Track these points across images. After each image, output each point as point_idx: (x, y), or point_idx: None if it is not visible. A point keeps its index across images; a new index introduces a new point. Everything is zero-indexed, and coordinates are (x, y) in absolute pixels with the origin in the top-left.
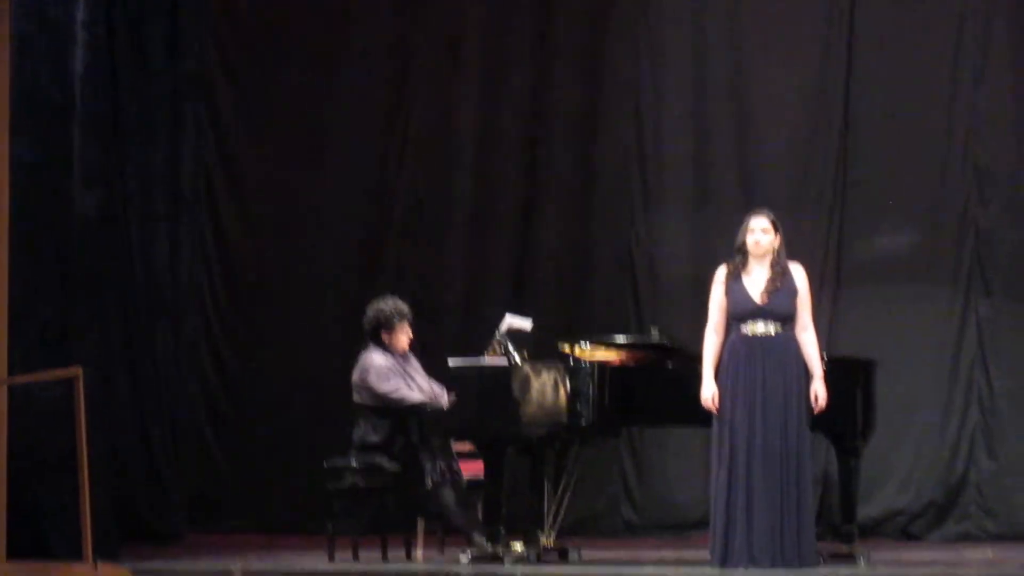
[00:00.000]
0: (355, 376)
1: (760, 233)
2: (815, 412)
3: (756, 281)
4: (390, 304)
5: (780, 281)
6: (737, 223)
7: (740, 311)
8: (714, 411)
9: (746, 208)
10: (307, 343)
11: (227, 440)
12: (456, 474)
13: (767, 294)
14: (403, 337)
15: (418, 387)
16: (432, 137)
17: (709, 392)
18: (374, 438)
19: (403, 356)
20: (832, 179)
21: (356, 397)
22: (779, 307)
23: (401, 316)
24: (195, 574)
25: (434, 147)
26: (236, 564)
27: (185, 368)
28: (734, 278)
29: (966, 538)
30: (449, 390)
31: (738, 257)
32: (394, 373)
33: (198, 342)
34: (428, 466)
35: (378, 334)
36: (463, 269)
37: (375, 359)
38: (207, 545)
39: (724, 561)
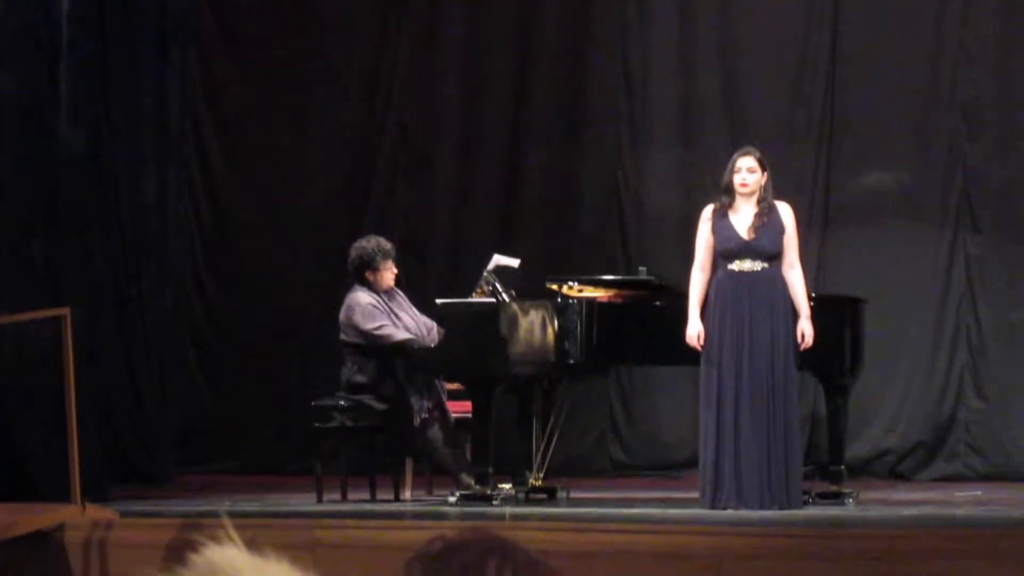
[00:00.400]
0: (341, 315)
1: (747, 172)
2: (802, 351)
3: (743, 219)
4: (372, 243)
5: (767, 218)
6: (724, 161)
7: (727, 248)
8: (699, 349)
9: (733, 146)
10: (294, 281)
11: (214, 379)
12: (444, 414)
13: (754, 230)
14: (387, 275)
15: (404, 325)
16: (418, 76)
17: (695, 330)
18: (361, 378)
19: (388, 294)
20: (819, 117)
21: (343, 336)
22: (766, 244)
23: (384, 254)
24: (183, 516)
25: (420, 86)
26: (224, 505)
27: (172, 307)
28: (720, 216)
29: (955, 478)
30: (439, 329)
31: (725, 196)
32: (379, 311)
33: (185, 280)
34: (416, 405)
35: (362, 273)
36: (450, 208)
37: (360, 297)
38: (195, 486)
39: (713, 501)
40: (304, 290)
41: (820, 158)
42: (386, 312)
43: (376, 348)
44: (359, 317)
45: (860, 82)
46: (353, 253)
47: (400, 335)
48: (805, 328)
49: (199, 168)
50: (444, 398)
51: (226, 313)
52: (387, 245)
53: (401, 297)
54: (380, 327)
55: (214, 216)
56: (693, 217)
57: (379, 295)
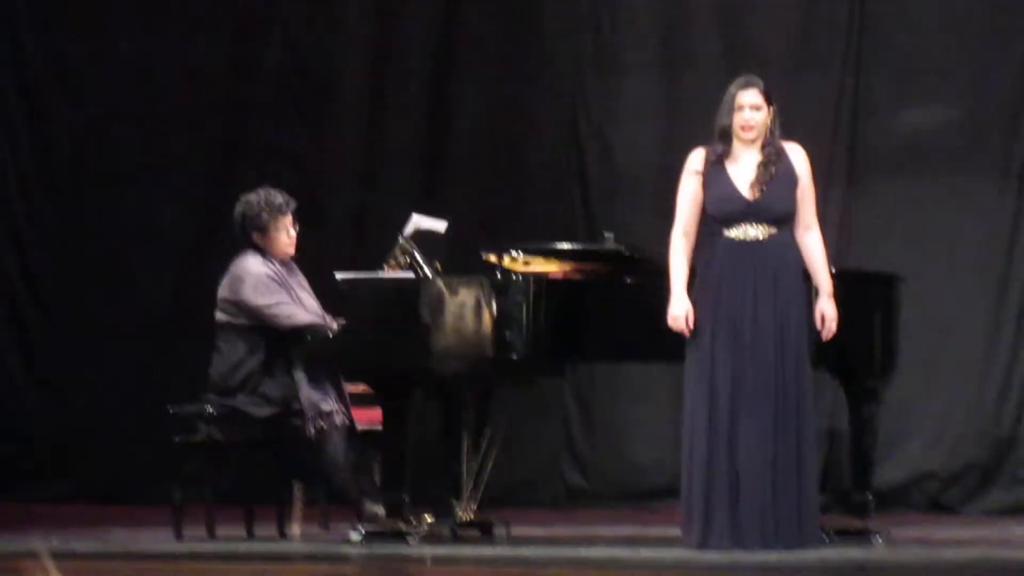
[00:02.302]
0: (223, 288)
1: (750, 110)
2: (822, 338)
3: (743, 171)
4: (260, 196)
5: (775, 168)
6: (718, 94)
7: (724, 211)
8: (686, 334)
9: (730, 72)
10: (146, 245)
11: (40, 377)
12: (347, 424)
13: (758, 186)
14: (281, 237)
15: (304, 306)
16: None
17: (680, 309)
18: (240, 373)
19: (286, 265)
20: (843, 34)
21: (220, 315)
22: (774, 203)
23: (274, 210)
24: None
25: None
26: (50, 543)
27: None
28: (715, 168)
29: (1015, 510)
30: (336, 316)
31: (720, 143)
32: (276, 284)
33: (2, 246)
34: (312, 411)
35: (249, 235)
36: (355, 153)
37: (250, 265)
38: (12, 517)
39: (701, 541)
40: (160, 258)
41: (844, 90)
42: (284, 287)
43: (266, 332)
44: (248, 290)
45: None
46: (237, 208)
47: (304, 316)
48: (825, 308)
49: (15, 89)
50: (346, 404)
51: (54, 285)
52: (279, 198)
53: (300, 274)
54: (277, 304)
55: (36, 154)
56: (677, 167)
57: (273, 264)
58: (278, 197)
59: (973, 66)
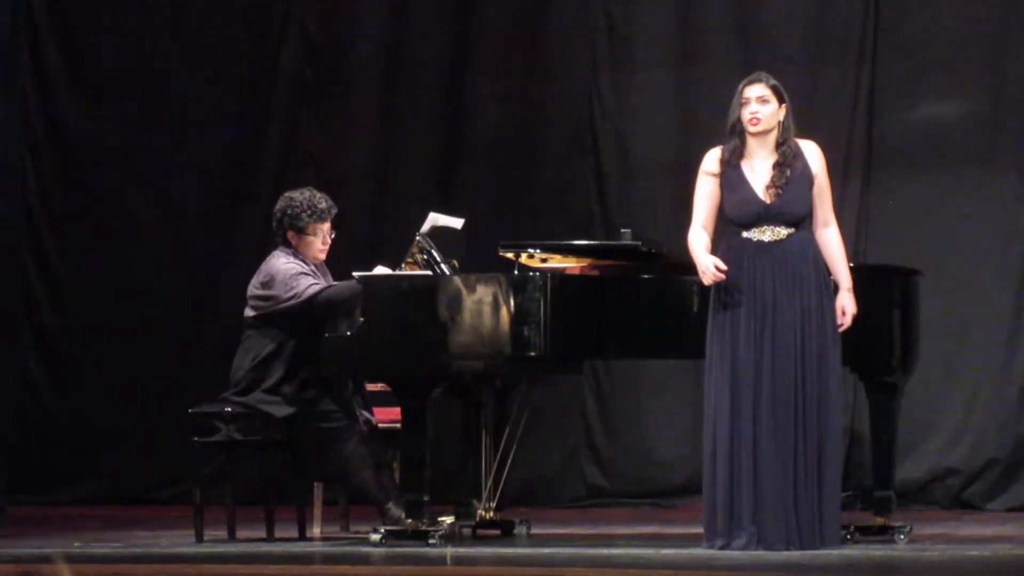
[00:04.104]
0: (254, 286)
1: (757, 103)
2: (841, 330)
3: (759, 172)
4: (304, 196)
5: (790, 169)
6: (733, 87)
7: (742, 214)
8: (723, 277)
9: (747, 67)
10: (165, 247)
11: (59, 378)
12: (368, 423)
13: (775, 189)
14: (316, 243)
15: None
16: None
17: (708, 261)
18: (264, 370)
19: (316, 266)
20: (859, 28)
21: (250, 312)
22: (791, 204)
23: (315, 213)
24: (15, 560)
25: None
26: (71, 545)
27: (1, 283)
28: (731, 168)
29: None
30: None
31: (733, 140)
32: (305, 275)
33: (17, 243)
34: (340, 411)
35: (285, 232)
36: (371, 150)
37: (280, 263)
38: (33, 520)
39: (725, 541)
40: (180, 259)
41: (861, 82)
42: (314, 277)
43: (295, 331)
44: (280, 285)
45: None
46: (279, 204)
47: (339, 285)
48: (846, 303)
49: (37, 94)
50: (367, 403)
51: (73, 287)
52: (323, 203)
53: (329, 275)
54: (307, 287)
55: (58, 162)
56: (693, 163)
57: (306, 264)
58: (323, 202)
59: (989, 59)
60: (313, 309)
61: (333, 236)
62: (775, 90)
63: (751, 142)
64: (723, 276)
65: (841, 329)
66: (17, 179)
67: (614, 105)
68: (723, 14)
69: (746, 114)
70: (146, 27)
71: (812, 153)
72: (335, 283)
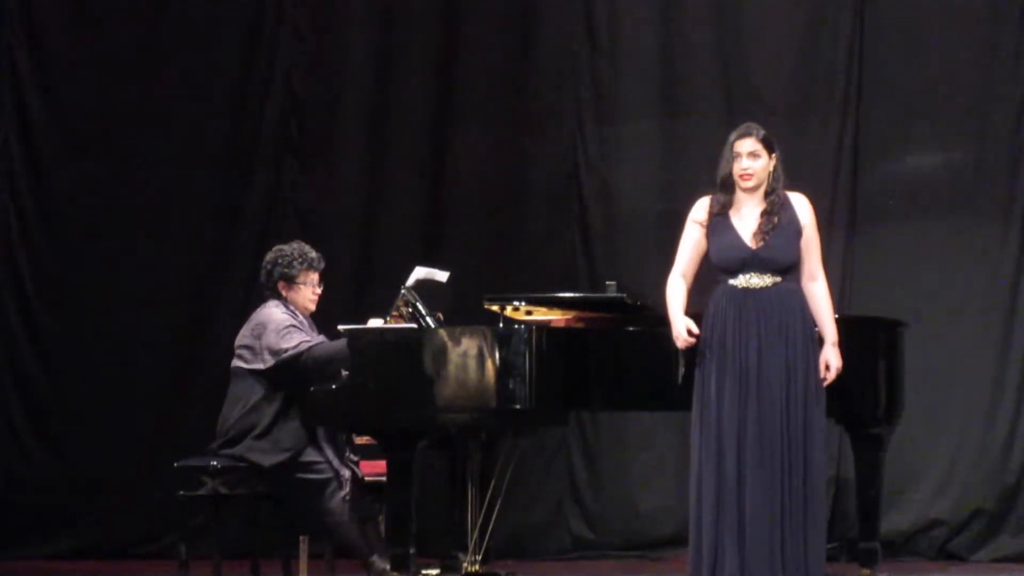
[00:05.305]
0: (243, 337)
1: (748, 158)
2: (824, 384)
3: (747, 221)
4: (294, 247)
5: (778, 218)
6: (720, 139)
7: (727, 259)
8: (694, 341)
9: (731, 118)
10: (150, 297)
11: (42, 429)
12: (353, 476)
13: (762, 235)
14: (306, 292)
15: None
16: (312, 22)
17: (681, 326)
18: (254, 417)
19: (305, 319)
20: (843, 79)
21: (239, 363)
22: (778, 252)
23: (306, 263)
24: None
25: (319, 41)
26: None
27: None
28: (719, 218)
29: (1023, 558)
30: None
31: (722, 193)
32: (297, 329)
33: (5, 300)
34: (326, 464)
35: (275, 284)
36: (355, 202)
37: (273, 313)
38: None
39: None
40: (163, 310)
41: (845, 135)
42: (305, 332)
43: (283, 383)
44: (272, 336)
45: (897, 32)
46: (269, 256)
47: (330, 343)
48: (830, 358)
49: (18, 139)
50: (352, 456)
51: (58, 340)
52: (313, 253)
53: (316, 330)
54: (298, 343)
55: (38, 205)
56: (678, 213)
57: (296, 315)
58: (312, 252)
59: (973, 109)
60: (303, 364)
61: (321, 289)
62: (765, 142)
63: (740, 194)
64: (694, 341)
65: (824, 384)
66: None
67: (598, 156)
68: (707, 64)
69: (737, 169)
70: (130, 78)
71: (802, 206)
72: (326, 341)
